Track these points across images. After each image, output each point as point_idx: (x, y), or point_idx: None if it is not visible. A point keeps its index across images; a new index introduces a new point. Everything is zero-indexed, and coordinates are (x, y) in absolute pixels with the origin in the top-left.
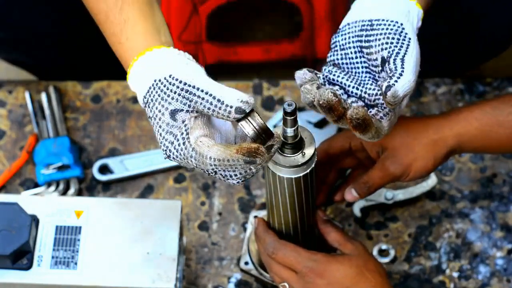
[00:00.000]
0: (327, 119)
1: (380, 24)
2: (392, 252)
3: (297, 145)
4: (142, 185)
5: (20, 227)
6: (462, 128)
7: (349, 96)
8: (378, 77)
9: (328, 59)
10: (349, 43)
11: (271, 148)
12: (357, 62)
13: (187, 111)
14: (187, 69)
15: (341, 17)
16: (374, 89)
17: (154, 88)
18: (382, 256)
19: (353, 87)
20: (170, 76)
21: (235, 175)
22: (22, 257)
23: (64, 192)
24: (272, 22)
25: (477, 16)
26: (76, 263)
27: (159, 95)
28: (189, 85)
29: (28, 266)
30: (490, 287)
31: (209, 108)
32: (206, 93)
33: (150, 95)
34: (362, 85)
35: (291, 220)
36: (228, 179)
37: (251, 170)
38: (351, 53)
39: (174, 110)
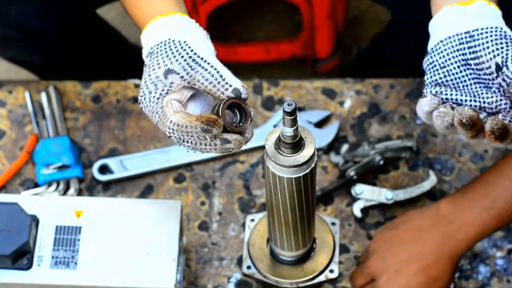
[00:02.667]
0: (464, 137)
1: (481, 33)
2: None
3: (297, 145)
4: (142, 185)
5: (20, 227)
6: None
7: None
8: (492, 84)
9: (427, 81)
10: (449, 59)
11: (242, 135)
12: (463, 76)
13: (182, 77)
14: (203, 44)
15: (341, 17)
16: (492, 97)
17: (164, 44)
18: None
19: (471, 100)
20: (184, 42)
21: (190, 140)
22: (22, 257)
23: (64, 192)
24: (272, 22)
25: None
26: (76, 263)
27: (165, 51)
28: (198, 56)
29: (28, 266)
30: (490, 287)
31: (207, 79)
32: (212, 66)
33: (158, 48)
34: (477, 96)
35: (291, 220)
36: (181, 143)
37: (205, 141)
38: (455, 68)
39: (170, 69)
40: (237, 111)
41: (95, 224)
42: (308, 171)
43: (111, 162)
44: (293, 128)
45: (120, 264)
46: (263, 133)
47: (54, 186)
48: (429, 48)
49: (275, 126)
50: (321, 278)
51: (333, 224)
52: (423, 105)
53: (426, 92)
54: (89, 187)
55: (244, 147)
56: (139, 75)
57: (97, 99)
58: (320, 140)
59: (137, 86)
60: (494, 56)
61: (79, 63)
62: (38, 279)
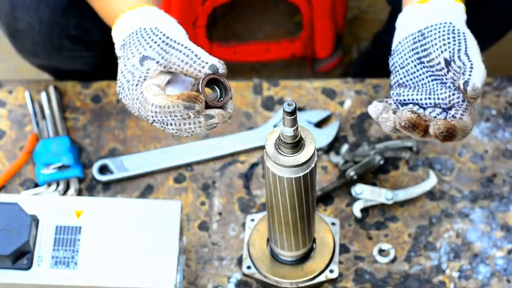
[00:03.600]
0: (414, 138)
1: (430, 31)
2: (392, 252)
3: (297, 145)
4: (142, 185)
5: (20, 227)
6: None
7: (424, 108)
8: (446, 79)
9: (392, 83)
10: (406, 59)
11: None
12: (420, 74)
13: (157, 62)
14: (174, 28)
15: (341, 16)
16: (445, 92)
17: (136, 34)
18: (382, 256)
19: (425, 98)
20: (155, 28)
21: (173, 122)
22: (22, 257)
23: (64, 192)
24: (272, 22)
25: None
26: (76, 263)
27: (138, 40)
28: (171, 39)
29: (28, 266)
30: (490, 287)
31: (183, 61)
32: (186, 47)
33: (130, 39)
34: (432, 93)
35: (291, 220)
36: (165, 127)
37: (189, 119)
38: (412, 67)
39: (145, 56)
40: (216, 88)
41: (95, 224)
42: (308, 171)
43: (111, 162)
44: (293, 128)
45: (120, 264)
46: (263, 133)
47: (54, 186)
48: (392, 50)
49: (275, 126)
50: (321, 278)
51: (333, 224)
52: (370, 112)
53: (391, 93)
54: (89, 187)
55: (229, 121)
56: None
57: (97, 99)
58: (320, 140)
59: None
60: (442, 52)
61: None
62: (38, 279)
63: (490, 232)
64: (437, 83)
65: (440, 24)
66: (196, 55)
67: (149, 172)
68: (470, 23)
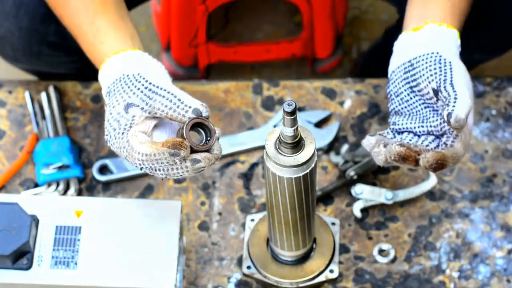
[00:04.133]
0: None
1: (418, 61)
2: (392, 252)
3: (297, 145)
4: (142, 185)
5: (20, 227)
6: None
7: (419, 136)
8: (437, 107)
9: (390, 110)
10: (399, 88)
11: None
12: (413, 102)
13: (142, 108)
14: (157, 73)
15: (341, 17)
16: (437, 120)
17: (120, 81)
18: (382, 256)
19: (419, 126)
20: (138, 74)
21: (161, 168)
22: (22, 257)
23: (64, 192)
24: (272, 22)
25: (494, 6)
26: (76, 263)
27: (122, 87)
28: (154, 85)
29: (28, 266)
30: (490, 287)
31: (166, 106)
32: (168, 92)
33: (114, 86)
34: (425, 121)
35: (291, 220)
36: (154, 173)
37: (176, 165)
38: (406, 96)
39: (130, 103)
40: (202, 131)
41: (95, 224)
42: (308, 171)
43: (111, 162)
44: (293, 128)
45: (120, 264)
46: (263, 133)
47: (54, 186)
48: (388, 78)
49: (275, 126)
50: (321, 278)
51: (333, 224)
52: (364, 145)
53: (389, 121)
54: (89, 187)
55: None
56: None
57: (97, 99)
58: (320, 140)
59: None
60: (430, 82)
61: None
62: (38, 279)
63: (490, 232)
64: (429, 111)
65: (428, 54)
66: (179, 100)
67: None
68: (477, 37)
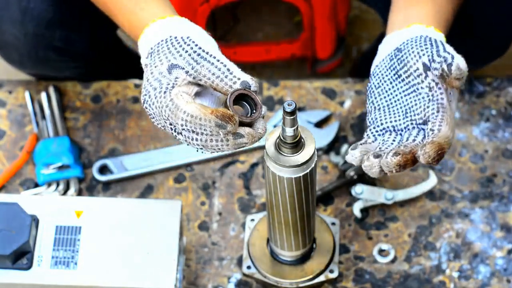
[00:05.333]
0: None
1: (407, 44)
2: (392, 252)
3: (297, 145)
4: (142, 185)
5: (20, 227)
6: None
7: (401, 134)
8: (421, 88)
9: (367, 109)
10: (383, 78)
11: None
12: (395, 91)
13: (187, 72)
14: (206, 39)
15: (341, 17)
16: (420, 106)
17: (166, 42)
18: (382, 256)
19: (401, 119)
20: (187, 38)
21: (200, 138)
22: (22, 257)
23: (64, 192)
24: (272, 22)
25: (475, 19)
26: (76, 263)
27: (168, 48)
28: (203, 50)
29: (28, 266)
30: (490, 287)
31: (214, 74)
32: (218, 60)
33: (158, 46)
34: (408, 111)
35: (291, 220)
36: (191, 141)
37: (218, 137)
38: (387, 85)
39: (174, 64)
40: (246, 104)
41: (95, 224)
42: (308, 171)
43: (111, 162)
44: (293, 128)
45: (120, 264)
46: None
47: (54, 186)
48: (370, 74)
49: (275, 126)
50: (321, 278)
51: (333, 224)
52: (351, 162)
53: (367, 121)
54: (89, 187)
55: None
56: (135, 75)
57: (97, 99)
58: (320, 140)
59: (137, 86)
60: (420, 57)
61: (99, 69)
62: (38, 279)
63: (490, 232)
64: (412, 97)
65: (416, 37)
66: (228, 70)
67: (149, 172)
68: (456, 49)
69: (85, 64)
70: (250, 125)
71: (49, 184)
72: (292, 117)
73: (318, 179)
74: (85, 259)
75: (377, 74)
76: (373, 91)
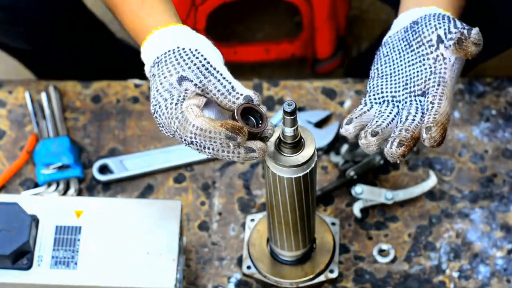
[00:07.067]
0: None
1: (425, 18)
2: (392, 252)
3: (297, 145)
4: (142, 185)
5: (20, 227)
6: None
7: (399, 107)
8: (428, 58)
9: (370, 75)
10: (393, 47)
11: (263, 140)
12: (402, 59)
13: (195, 84)
14: (212, 52)
15: (341, 17)
16: (422, 77)
17: (173, 52)
18: (382, 256)
19: (401, 89)
20: (196, 50)
21: (211, 148)
22: (22, 257)
23: (64, 192)
24: (272, 22)
25: (489, 12)
26: (76, 263)
27: (176, 59)
28: (211, 65)
29: (28, 266)
30: (490, 287)
31: (219, 90)
32: (224, 78)
33: (165, 56)
34: (409, 81)
35: (291, 220)
36: (202, 150)
37: (228, 148)
38: (396, 54)
39: (184, 76)
40: (251, 118)
41: (95, 224)
42: (308, 171)
43: (111, 162)
44: (293, 128)
45: (120, 264)
46: None
47: (54, 186)
48: (381, 44)
49: (275, 126)
50: (321, 278)
51: (333, 224)
52: (344, 134)
53: (368, 88)
54: (89, 187)
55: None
56: (127, 72)
57: (97, 99)
58: (320, 140)
59: (137, 86)
60: (436, 29)
61: (66, 53)
62: (38, 279)
63: (490, 232)
64: (414, 68)
65: (435, 13)
66: (232, 87)
67: (149, 172)
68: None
69: (36, 32)
70: (258, 135)
71: (49, 184)
72: (292, 117)
73: (318, 179)
74: (85, 259)
75: (388, 44)
76: (380, 59)
